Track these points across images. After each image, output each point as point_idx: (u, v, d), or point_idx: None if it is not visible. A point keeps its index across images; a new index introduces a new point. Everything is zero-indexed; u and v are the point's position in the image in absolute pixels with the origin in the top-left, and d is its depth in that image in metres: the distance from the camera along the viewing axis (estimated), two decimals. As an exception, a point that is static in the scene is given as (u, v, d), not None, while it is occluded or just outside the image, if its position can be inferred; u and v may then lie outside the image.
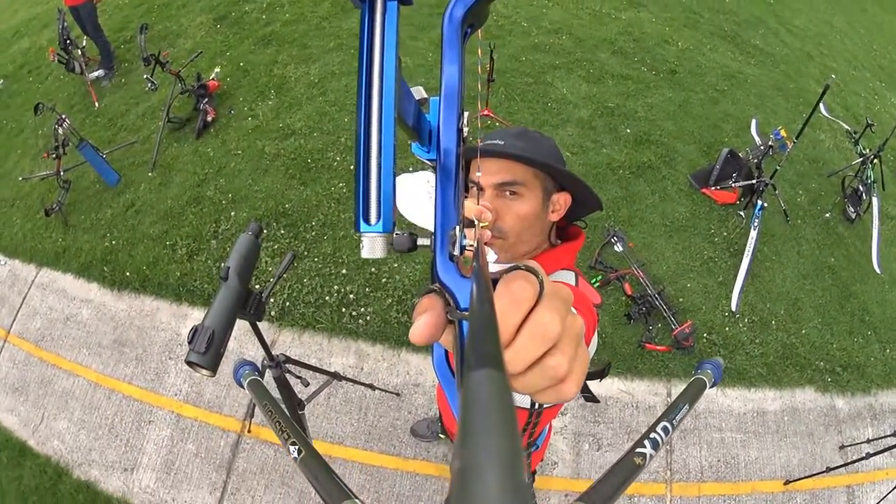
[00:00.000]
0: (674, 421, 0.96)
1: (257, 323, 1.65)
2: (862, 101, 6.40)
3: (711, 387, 1.15)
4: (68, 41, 5.25)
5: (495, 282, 0.38)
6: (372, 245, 0.39)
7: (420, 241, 0.45)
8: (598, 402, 1.80)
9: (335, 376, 2.42)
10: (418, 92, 0.51)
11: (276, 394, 2.00)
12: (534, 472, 2.07)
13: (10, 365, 3.79)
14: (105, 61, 5.74)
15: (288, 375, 2.01)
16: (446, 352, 0.50)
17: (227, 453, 3.11)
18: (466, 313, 0.37)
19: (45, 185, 4.75)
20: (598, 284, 3.75)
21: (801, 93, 5.94)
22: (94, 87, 5.47)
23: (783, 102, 5.73)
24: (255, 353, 3.38)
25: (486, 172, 1.12)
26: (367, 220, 0.39)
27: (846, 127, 4.97)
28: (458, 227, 0.44)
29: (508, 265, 0.40)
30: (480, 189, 1.14)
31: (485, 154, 1.10)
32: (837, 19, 8.17)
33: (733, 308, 3.75)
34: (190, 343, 1.35)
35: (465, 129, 0.49)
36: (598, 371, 1.44)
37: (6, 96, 6.05)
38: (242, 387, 1.39)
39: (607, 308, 3.66)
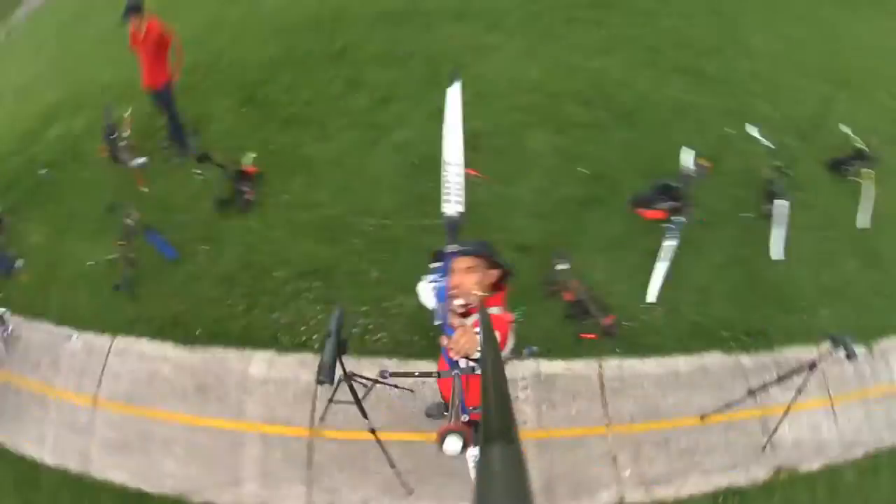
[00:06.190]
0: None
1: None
2: (808, 110, 6.84)
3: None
4: (112, 135, 5.56)
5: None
6: None
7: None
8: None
9: (380, 378, 3.59)
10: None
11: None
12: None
13: (107, 427, 4.19)
14: (181, 147, 5.91)
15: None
16: None
17: (304, 453, 4.04)
18: None
19: (106, 263, 5.10)
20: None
21: (743, 115, 6.44)
22: (139, 174, 5.66)
23: (726, 123, 6.36)
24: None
25: (460, 264, 2.21)
26: None
27: (771, 146, 6.00)
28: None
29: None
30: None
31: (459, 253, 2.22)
32: (797, 31, 8.38)
33: (651, 300, 4.77)
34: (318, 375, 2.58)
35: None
36: None
37: (49, 185, 5.99)
38: None
39: (553, 311, 4.70)
